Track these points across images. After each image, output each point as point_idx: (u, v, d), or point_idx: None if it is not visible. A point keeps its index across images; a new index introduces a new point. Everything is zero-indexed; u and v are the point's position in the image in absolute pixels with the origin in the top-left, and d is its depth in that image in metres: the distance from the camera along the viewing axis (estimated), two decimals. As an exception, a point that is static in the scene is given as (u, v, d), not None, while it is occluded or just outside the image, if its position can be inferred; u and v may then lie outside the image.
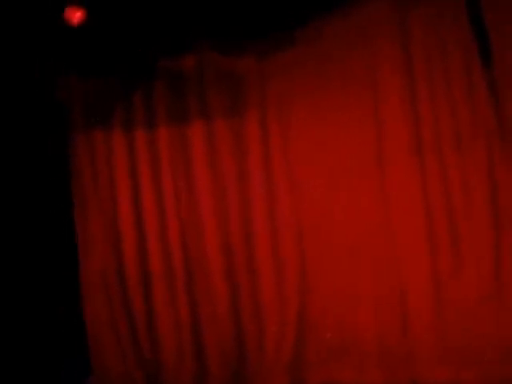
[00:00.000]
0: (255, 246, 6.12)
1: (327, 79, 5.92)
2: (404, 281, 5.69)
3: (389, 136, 5.74)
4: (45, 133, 6.27)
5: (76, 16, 5.51)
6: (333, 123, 5.91)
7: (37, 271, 6.10)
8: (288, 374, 5.93)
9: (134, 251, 6.30)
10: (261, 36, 6.08)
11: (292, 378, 5.92)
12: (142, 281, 6.27)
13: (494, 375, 5.36)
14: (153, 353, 6.25)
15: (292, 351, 5.94)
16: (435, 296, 5.59)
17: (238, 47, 6.18)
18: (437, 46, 5.62)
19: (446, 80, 5.62)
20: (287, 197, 6.06)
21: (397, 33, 5.73)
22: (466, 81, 5.55)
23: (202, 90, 6.29)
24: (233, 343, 6.10)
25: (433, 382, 5.54)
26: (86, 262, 6.36)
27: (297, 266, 6.01)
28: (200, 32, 6.14)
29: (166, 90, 6.32)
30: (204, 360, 6.17)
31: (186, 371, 6.16)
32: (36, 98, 6.23)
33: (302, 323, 5.96)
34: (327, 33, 5.91)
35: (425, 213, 5.65)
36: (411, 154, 5.66)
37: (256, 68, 6.17)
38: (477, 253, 5.49)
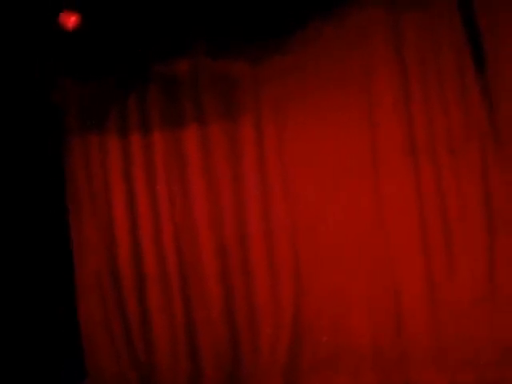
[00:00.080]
0: (250, 248, 6.12)
1: (321, 82, 5.93)
2: (398, 283, 5.70)
3: (383, 138, 5.76)
4: (40, 135, 6.27)
5: (71, 20, 5.53)
6: (327, 126, 5.92)
7: (32, 273, 6.09)
8: (282, 377, 5.92)
9: (129, 254, 6.31)
10: (255, 40, 6.10)
11: (286, 381, 5.92)
12: (137, 283, 6.28)
13: (488, 377, 5.37)
14: (147, 354, 6.25)
15: (287, 354, 5.94)
16: (429, 298, 5.61)
17: (233, 51, 6.19)
18: (430, 49, 5.65)
19: (439, 82, 5.65)
20: (281, 200, 6.06)
21: (391, 36, 5.75)
22: (460, 83, 5.58)
23: (197, 94, 6.31)
24: (227, 345, 6.10)
25: (427, 384, 5.55)
26: (81, 265, 6.36)
27: (291, 269, 6.01)
28: (195, 36, 6.17)
29: (160, 94, 6.33)
30: (198, 362, 6.16)
31: (181, 373, 6.16)
32: (31, 100, 6.23)
33: (297, 326, 5.96)
34: (321, 37, 5.93)
35: (419, 215, 5.67)
36: (405, 156, 5.68)
37: (250, 72, 6.17)
38: (470, 255, 5.51)
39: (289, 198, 6.04)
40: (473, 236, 5.51)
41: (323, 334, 5.86)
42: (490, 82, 5.46)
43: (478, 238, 5.49)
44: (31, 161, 6.22)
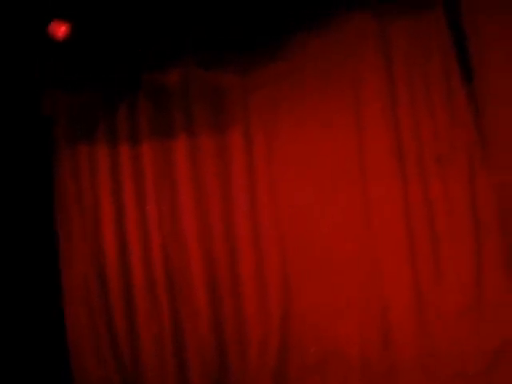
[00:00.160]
0: (238, 257, 6.12)
1: (310, 90, 5.96)
2: (386, 293, 5.67)
3: (371, 145, 5.76)
4: (30, 146, 6.30)
5: (61, 30, 5.55)
6: (315, 134, 5.93)
7: (21, 280, 6.10)
8: (270, 385, 5.92)
9: (117, 263, 6.30)
10: (245, 50, 6.15)
11: (274, 389, 5.91)
12: (124, 292, 6.27)
13: (477, 386, 5.34)
14: (134, 362, 6.23)
15: (274, 363, 5.91)
16: (417, 307, 5.57)
17: (223, 62, 6.23)
18: (418, 56, 5.66)
19: (426, 88, 5.65)
20: (270, 209, 6.07)
21: (379, 44, 5.76)
22: (447, 91, 5.58)
23: (187, 104, 6.33)
24: (214, 354, 6.08)
25: (415, 394, 5.52)
26: (69, 274, 6.35)
27: (279, 278, 6.00)
28: (185, 47, 6.18)
29: (150, 105, 6.37)
30: (185, 370, 6.14)
31: (167, 381, 6.13)
32: (21, 111, 6.26)
33: (285, 335, 5.94)
34: (309, 45, 5.96)
35: (406, 224, 5.64)
36: (393, 163, 5.68)
37: (240, 82, 6.21)
38: (457, 263, 5.48)
39: (277, 207, 6.04)
40: (460, 245, 5.48)
41: (311, 342, 5.84)
42: (476, 88, 5.46)
43: (464, 245, 5.46)
44: (20, 171, 6.23)
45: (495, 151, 5.39)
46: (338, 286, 5.77)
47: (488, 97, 5.40)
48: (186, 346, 6.16)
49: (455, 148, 5.52)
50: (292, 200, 5.98)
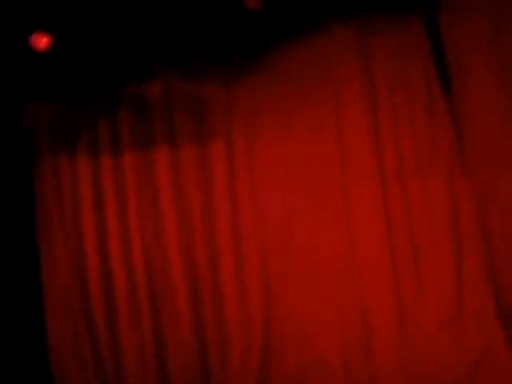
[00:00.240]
0: (220, 267, 6.17)
1: (291, 101, 6.01)
2: (367, 301, 5.71)
3: (352, 159, 5.80)
4: (10, 158, 6.28)
5: (42, 42, 5.54)
6: (297, 142, 5.98)
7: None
8: (252, 394, 5.95)
9: (98, 274, 6.32)
10: (227, 62, 6.18)
11: (256, 400, 5.94)
12: (106, 303, 6.30)
13: (457, 397, 5.39)
14: (116, 372, 6.24)
15: (257, 373, 5.94)
16: (398, 317, 5.61)
17: (204, 72, 6.25)
18: (398, 73, 5.71)
19: (407, 104, 5.70)
20: (251, 216, 6.13)
21: (360, 58, 5.81)
22: (427, 100, 5.63)
23: (168, 115, 6.36)
24: (197, 364, 6.11)
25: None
26: (50, 285, 6.35)
27: (260, 283, 6.05)
28: (166, 58, 6.19)
29: (131, 116, 6.39)
30: (167, 373, 6.17)
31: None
32: (2, 123, 6.24)
33: (267, 340, 5.98)
34: (292, 58, 6.00)
35: (387, 236, 5.68)
36: (374, 177, 5.72)
37: (222, 92, 6.25)
38: (438, 274, 5.52)
39: (258, 213, 6.11)
40: (440, 253, 5.52)
41: (293, 348, 5.88)
42: (456, 104, 5.52)
43: (445, 255, 5.50)
44: (1, 182, 6.21)
45: (475, 167, 5.45)
46: (319, 293, 5.82)
47: (466, 106, 5.47)
48: (168, 357, 6.18)
49: (435, 156, 5.57)
50: (273, 206, 6.04)
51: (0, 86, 5.98)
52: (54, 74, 5.95)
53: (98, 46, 5.85)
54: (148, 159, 6.36)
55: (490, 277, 5.40)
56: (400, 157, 5.70)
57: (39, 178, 6.45)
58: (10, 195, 6.25)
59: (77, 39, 5.68)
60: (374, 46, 5.80)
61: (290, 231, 5.96)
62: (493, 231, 5.41)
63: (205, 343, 6.16)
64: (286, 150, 6.02)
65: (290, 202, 5.97)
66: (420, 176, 5.64)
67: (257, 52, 6.09)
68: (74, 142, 6.45)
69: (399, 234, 5.67)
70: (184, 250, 6.22)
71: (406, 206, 5.67)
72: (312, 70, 5.97)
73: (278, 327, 5.98)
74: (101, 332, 6.28)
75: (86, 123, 6.44)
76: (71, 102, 6.36)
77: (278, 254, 6.00)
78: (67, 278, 6.35)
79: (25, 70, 5.87)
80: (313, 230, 5.87)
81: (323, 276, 5.81)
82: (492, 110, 5.39)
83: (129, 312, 6.25)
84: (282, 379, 5.91)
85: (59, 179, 6.46)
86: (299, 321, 5.88)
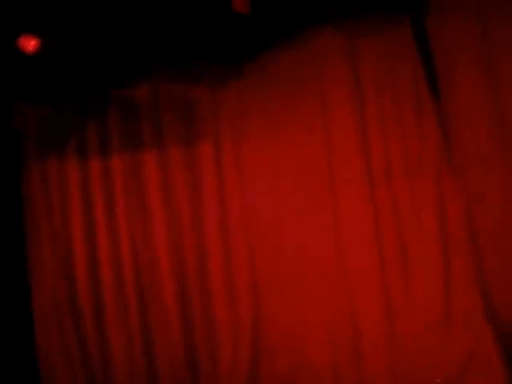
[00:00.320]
0: (208, 269, 6.18)
1: (279, 103, 6.03)
2: (355, 303, 5.72)
3: (340, 160, 5.81)
4: (-2, 159, 6.29)
5: (30, 44, 5.54)
6: (286, 147, 6.00)
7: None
8: (241, 397, 5.93)
9: (87, 278, 6.31)
10: (215, 64, 6.20)
11: (245, 401, 5.92)
12: (95, 305, 6.29)
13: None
14: (102, 364, 6.24)
15: (245, 375, 5.94)
16: (386, 319, 5.61)
17: (192, 75, 6.26)
18: (386, 73, 5.72)
19: (395, 105, 5.71)
20: (240, 217, 6.14)
21: (347, 59, 5.82)
22: (415, 105, 5.64)
23: (157, 117, 6.37)
24: (185, 365, 6.11)
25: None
26: (38, 285, 6.34)
27: (250, 289, 6.06)
28: (155, 61, 6.20)
29: (120, 119, 6.39)
30: (155, 371, 6.16)
31: (137, 382, 6.15)
32: (-10, 125, 6.26)
33: (256, 348, 5.98)
34: (280, 60, 6.02)
35: (375, 237, 5.69)
36: (362, 177, 5.73)
37: (210, 94, 6.27)
38: (427, 279, 5.52)
39: (247, 214, 6.13)
40: (429, 258, 5.52)
41: (282, 350, 5.88)
42: (444, 105, 5.52)
43: (433, 260, 5.50)
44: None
45: (463, 169, 5.46)
46: (308, 293, 5.83)
47: (453, 106, 5.48)
48: (156, 359, 6.18)
49: (423, 156, 5.58)
50: (261, 207, 6.06)
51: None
52: (42, 76, 5.95)
53: (86, 49, 5.85)
54: (136, 161, 6.37)
55: (477, 277, 5.40)
56: (388, 157, 5.71)
57: (28, 181, 6.44)
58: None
59: (65, 42, 5.68)
60: (362, 47, 5.81)
61: (278, 232, 5.98)
62: (480, 231, 5.41)
63: (194, 349, 6.16)
64: (274, 152, 6.04)
65: (277, 203, 5.99)
66: (408, 176, 5.64)
67: (245, 54, 6.11)
68: (62, 145, 6.45)
69: (387, 234, 5.68)
70: (173, 251, 6.23)
71: (394, 206, 5.68)
72: (299, 71, 5.99)
73: (266, 328, 5.98)
74: (88, 330, 6.28)
75: (74, 126, 6.44)
76: (60, 105, 6.36)
77: (267, 255, 6.01)
78: (55, 279, 6.33)
79: (13, 73, 5.87)
80: (301, 231, 5.87)
81: (312, 276, 5.81)
82: (479, 109, 5.41)
83: (116, 310, 6.25)
84: (271, 380, 5.90)
85: (48, 182, 6.46)
86: (288, 321, 5.89)
